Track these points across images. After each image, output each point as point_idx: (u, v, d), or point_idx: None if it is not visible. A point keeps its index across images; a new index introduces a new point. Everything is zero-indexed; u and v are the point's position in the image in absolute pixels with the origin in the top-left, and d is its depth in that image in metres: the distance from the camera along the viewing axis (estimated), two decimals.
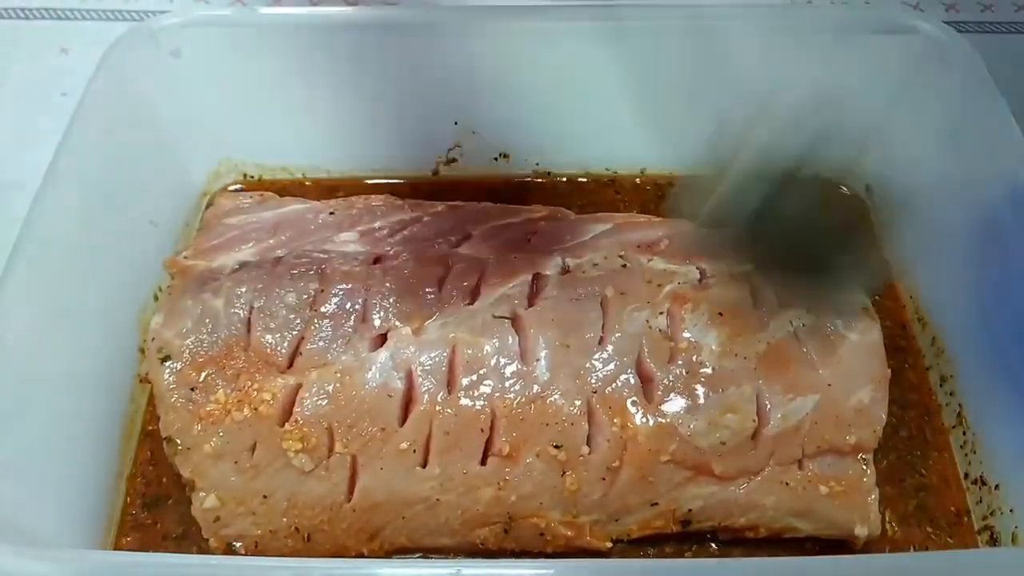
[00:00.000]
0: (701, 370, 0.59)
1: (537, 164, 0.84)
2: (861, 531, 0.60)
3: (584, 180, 0.84)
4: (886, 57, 0.75)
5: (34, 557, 0.47)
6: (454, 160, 0.83)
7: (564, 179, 0.84)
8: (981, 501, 0.63)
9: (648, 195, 0.82)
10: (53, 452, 0.58)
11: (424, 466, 0.58)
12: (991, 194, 0.64)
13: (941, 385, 0.69)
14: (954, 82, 0.68)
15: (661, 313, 0.61)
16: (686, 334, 0.60)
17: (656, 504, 0.59)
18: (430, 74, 0.78)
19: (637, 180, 0.84)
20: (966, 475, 0.65)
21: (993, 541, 0.61)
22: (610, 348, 0.60)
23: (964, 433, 0.66)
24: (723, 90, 0.79)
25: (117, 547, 0.62)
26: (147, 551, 0.61)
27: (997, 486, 0.62)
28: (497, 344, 0.60)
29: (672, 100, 0.80)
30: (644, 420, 0.58)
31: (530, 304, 0.62)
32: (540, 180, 0.83)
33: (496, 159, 0.84)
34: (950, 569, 0.50)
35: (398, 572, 0.51)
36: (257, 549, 0.59)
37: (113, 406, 0.66)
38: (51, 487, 0.57)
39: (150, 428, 0.67)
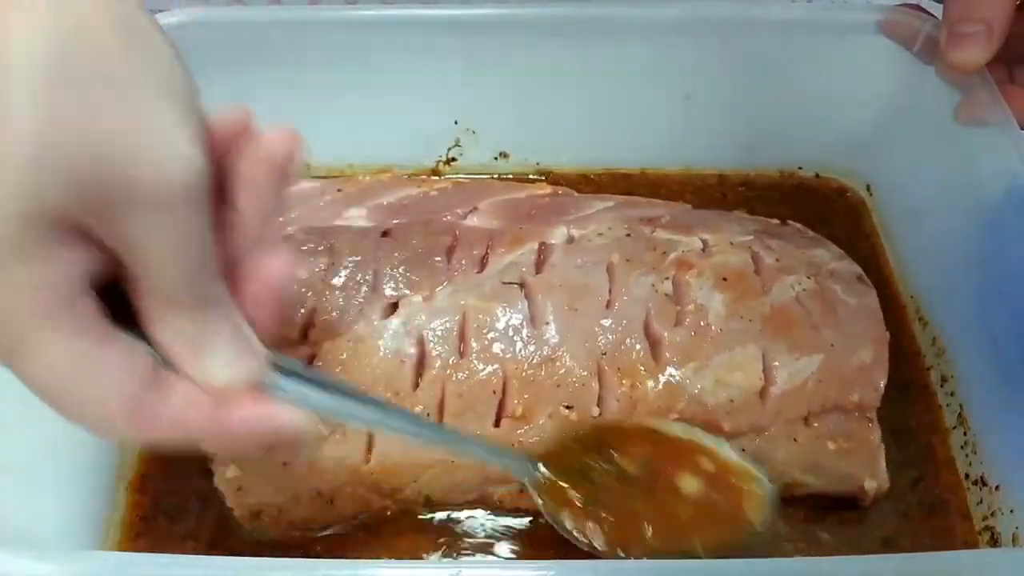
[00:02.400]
0: (708, 332, 0.61)
1: (537, 163, 0.84)
2: (870, 485, 0.61)
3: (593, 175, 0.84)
4: (886, 57, 0.75)
5: (34, 558, 0.47)
6: (454, 159, 0.83)
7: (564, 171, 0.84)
8: (982, 502, 0.63)
9: (649, 192, 0.83)
10: (52, 453, 0.58)
11: None
12: (991, 194, 0.64)
13: (941, 385, 0.69)
14: (954, 81, 0.68)
15: (667, 278, 0.63)
16: (692, 298, 0.62)
17: None
18: (430, 74, 0.78)
19: (637, 178, 0.84)
20: (966, 475, 0.65)
21: (993, 541, 0.61)
22: (618, 312, 0.61)
23: (964, 433, 0.66)
24: (723, 90, 0.80)
25: (122, 549, 0.61)
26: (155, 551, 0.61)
27: (998, 487, 0.62)
28: (506, 309, 0.61)
29: (672, 99, 0.81)
30: (653, 380, 0.59)
31: (537, 271, 0.63)
32: (541, 179, 0.83)
33: (496, 159, 0.84)
34: (950, 569, 0.50)
35: (398, 572, 0.51)
36: (281, 516, 0.60)
37: None
38: (51, 488, 0.57)
39: None
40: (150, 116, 0.37)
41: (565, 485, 0.54)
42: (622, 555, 0.52)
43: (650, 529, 0.53)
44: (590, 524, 0.53)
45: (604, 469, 0.55)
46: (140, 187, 0.36)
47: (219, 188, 0.43)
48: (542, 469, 0.55)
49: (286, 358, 0.45)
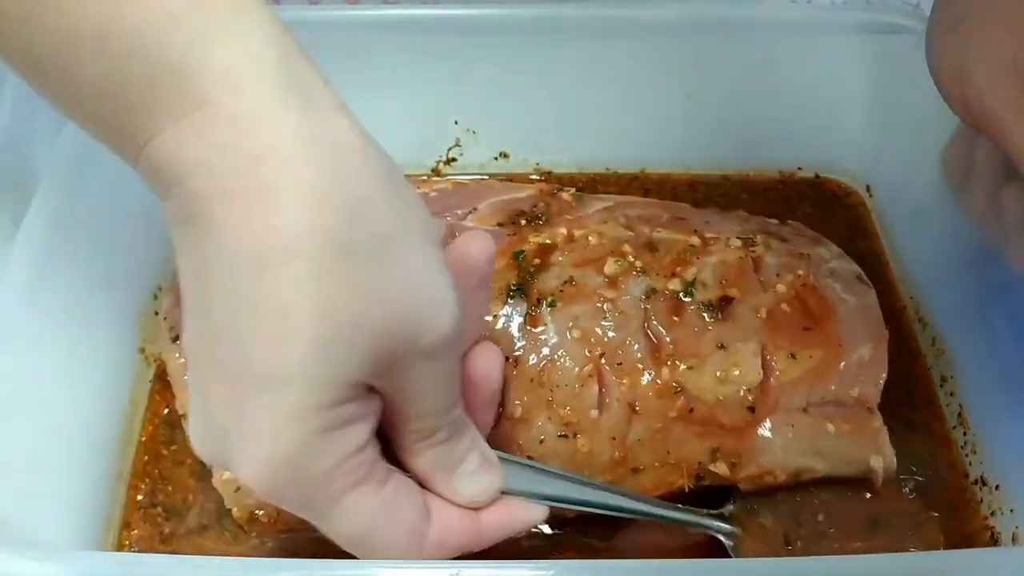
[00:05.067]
0: (706, 331, 0.61)
1: (537, 164, 0.84)
2: (876, 462, 0.61)
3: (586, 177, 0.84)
4: (886, 56, 0.75)
5: (34, 558, 0.47)
6: (454, 160, 0.83)
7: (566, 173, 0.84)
8: (981, 501, 0.63)
9: (648, 193, 0.83)
10: (52, 453, 0.58)
11: None
12: None
13: (941, 385, 0.69)
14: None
15: (666, 276, 0.63)
16: (691, 297, 0.62)
17: (669, 461, 0.60)
18: (430, 74, 0.78)
19: (636, 179, 0.84)
20: (966, 475, 0.65)
21: (993, 541, 0.61)
22: (617, 312, 0.61)
23: (964, 433, 0.66)
24: (723, 90, 0.80)
25: (121, 549, 0.61)
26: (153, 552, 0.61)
27: (997, 486, 0.62)
28: (505, 310, 0.61)
29: (672, 100, 0.81)
30: (652, 379, 0.59)
31: (537, 272, 0.63)
32: (541, 179, 0.83)
33: (496, 159, 0.84)
34: (950, 569, 0.50)
35: (398, 572, 0.51)
36: (279, 516, 0.60)
37: (113, 407, 0.66)
38: (50, 488, 0.57)
39: (153, 432, 0.67)
40: (421, 272, 0.38)
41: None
42: None
43: None
44: None
45: None
46: (419, 342, 0.37)
47: None
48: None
49: (505, 453, 0.50)
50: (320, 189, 0.35)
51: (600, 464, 0.60)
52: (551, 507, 0.51)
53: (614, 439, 0.59)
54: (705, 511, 0.60)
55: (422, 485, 0.45)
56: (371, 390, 0.39)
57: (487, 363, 0.49)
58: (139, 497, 0.64)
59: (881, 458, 0.61)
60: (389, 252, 0.36)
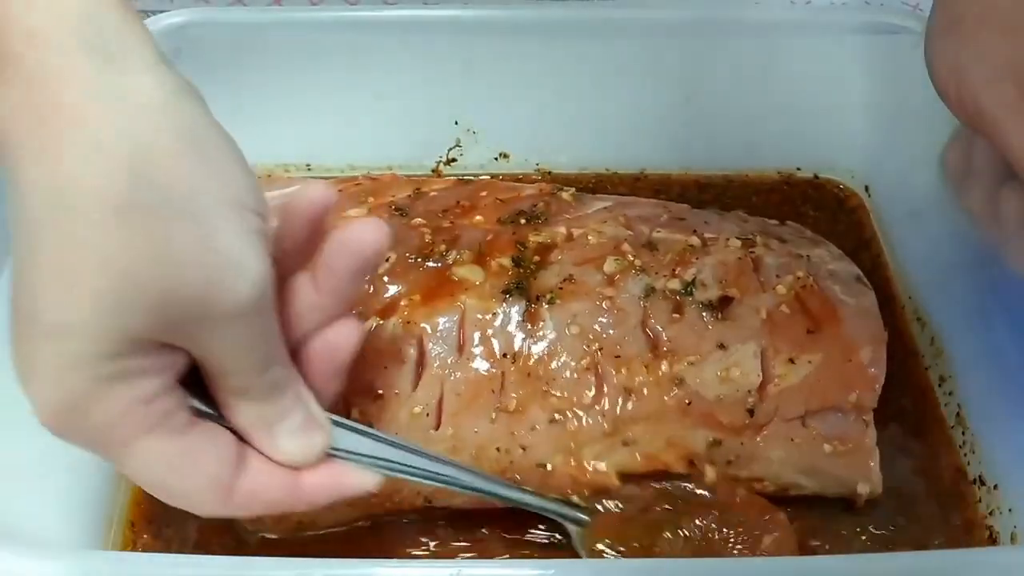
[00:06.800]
0: (705, 331, 0.61)
1: (537, 164, 0.84)
2: (863, 489, 0.61)
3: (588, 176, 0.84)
4: (885, 57, 0.75)
5: (35, 557, 0.47)
6: (454, 160, 0.84)
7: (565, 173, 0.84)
8: (980, 501, 0.63)
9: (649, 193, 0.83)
10: (53, 453, 0.57)
11: (437, 428, 0.59)
12: None
13: (940, 385, 0.69)
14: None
15: (665, 275, 0.63)
16: (690, 296, 0.62)
17: (662, 437, 0.60)
18: (430, 74, 0.78)
19: (637, 179, 0.84)
20: (965, 475, 0.65)
21: (992, 541, 0.61)
22: (616, 311, 0.61)
23: (963, 433, 0.66)
24: (723, 91, 0.80)
25: (121, 549, 0.61)
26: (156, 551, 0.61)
27: (996, 486, 0.62)
28: (505, 308, 0.61)
29: (672, 100, 0.81)
30: (650, 380, 0.60)
31: (536, 270, 0.63)
32: (540, 179, 0.83)
33: (496, 159, 0.84)
34: (949, 568, 0.50)
35: (398, 572, 0.51)
36: (281, 516, 0.59)
37: None
38: (51, 488, 0.57)
39: None
40: (216, 235, 0.38)
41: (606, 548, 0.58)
42: None
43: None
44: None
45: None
46: (213, 306, 0.38)
47: (298, 253, 0.46)
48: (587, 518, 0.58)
49: (342, 418, 0.49)
50: (105, 146, 0.35)
51: (589, 435, 0.59)
52: (389, 476, 0.50)
53: (605, 414, 0.59)
54: (558, 497, 0.59)
55: (246, 440, 0.45)
56: (168, 345, 0.39)
57: (338, 336, 0.48)
58: (139, 496, 0.64)
59: (868, 486, 0.61)
60: (179, 213, 0.37)
